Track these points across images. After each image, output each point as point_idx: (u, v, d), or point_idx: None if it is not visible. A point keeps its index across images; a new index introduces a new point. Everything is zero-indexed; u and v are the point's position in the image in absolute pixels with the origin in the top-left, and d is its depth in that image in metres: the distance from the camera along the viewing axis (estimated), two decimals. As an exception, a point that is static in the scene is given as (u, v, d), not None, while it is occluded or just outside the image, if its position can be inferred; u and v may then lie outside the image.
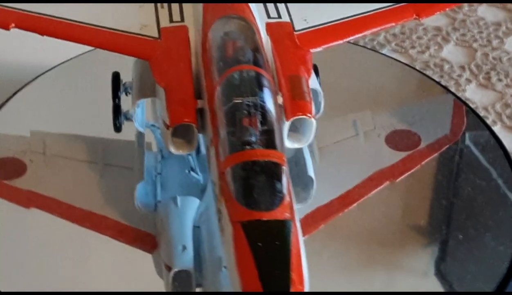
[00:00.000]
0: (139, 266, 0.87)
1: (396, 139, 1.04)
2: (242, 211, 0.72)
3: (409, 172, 1.00)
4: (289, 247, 0.72)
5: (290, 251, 0.72)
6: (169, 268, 0.79)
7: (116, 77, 0.95)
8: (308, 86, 0.82)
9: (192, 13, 0.90)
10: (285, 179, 0.73)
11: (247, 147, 0.74)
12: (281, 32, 0.90)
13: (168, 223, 0.85)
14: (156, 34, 0.88)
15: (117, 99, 0.94)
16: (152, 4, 0.92)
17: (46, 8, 0.89)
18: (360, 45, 1.34)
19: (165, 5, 0.93)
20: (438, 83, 1.22)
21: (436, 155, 1.04)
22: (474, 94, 1.28)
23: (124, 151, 1.00)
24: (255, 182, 0.73)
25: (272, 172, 0.74)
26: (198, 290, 0.81)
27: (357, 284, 0.91)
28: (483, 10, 1.48)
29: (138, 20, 0.90)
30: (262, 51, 0.82)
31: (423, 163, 1.01)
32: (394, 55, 1.35)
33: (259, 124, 0.76)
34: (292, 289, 0.68)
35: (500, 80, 1.30)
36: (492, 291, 0.88)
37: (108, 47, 0.90)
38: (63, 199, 0.94)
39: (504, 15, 1.46)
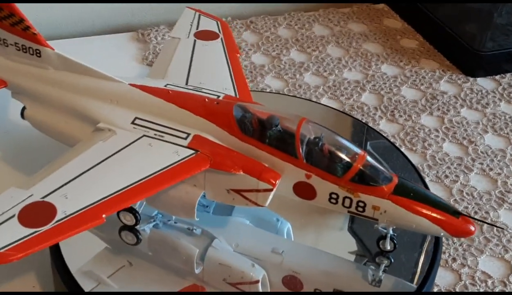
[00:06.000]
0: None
1: None
2: (385, 188, 0.80)
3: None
4: (423, 188, 0.85)
5: (426, 188, 0.87)
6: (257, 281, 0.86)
7: (132, 209, 0.84)
8: None
9: (192, 124, 0.87)
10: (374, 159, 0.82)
11: (351, 159, 0.82)
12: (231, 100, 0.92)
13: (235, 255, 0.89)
14: (191, 151, 0.84)
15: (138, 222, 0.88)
16: (158, 141, 0.84)
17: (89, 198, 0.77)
18: (305, 98, 1.43)
19: (162, 136, 0.87)
20: (360, 121, 1.33)
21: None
22: (385, 127, 1.42)
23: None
24: (374, 171, 0.82)
25: (372, 162, 0.84)
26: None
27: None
28: (385, 67, 1.62)
29: (166, 153, 0.83)
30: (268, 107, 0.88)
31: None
32: (330, 102, 1.47)
33: (339, 143, 0.84)
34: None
35: (401, 116, 1.45)
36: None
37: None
38: None
39: (399, 71, 1.60)
